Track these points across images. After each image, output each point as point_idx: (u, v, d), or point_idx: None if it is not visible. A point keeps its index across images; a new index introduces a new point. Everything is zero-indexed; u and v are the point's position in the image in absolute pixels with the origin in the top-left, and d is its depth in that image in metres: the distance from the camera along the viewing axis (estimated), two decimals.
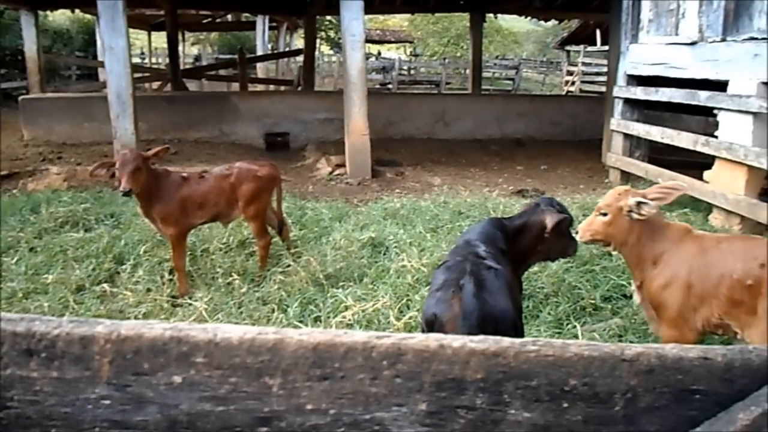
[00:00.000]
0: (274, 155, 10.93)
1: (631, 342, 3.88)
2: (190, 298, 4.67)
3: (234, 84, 16.79)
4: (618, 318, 4.30)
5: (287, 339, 1.05)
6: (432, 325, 2.49)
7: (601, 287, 4.65)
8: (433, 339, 1.07)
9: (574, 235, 3.47)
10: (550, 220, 3.06)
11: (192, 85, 18.01)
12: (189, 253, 5.34)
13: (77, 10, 17.59)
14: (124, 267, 5.19)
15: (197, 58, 27.92)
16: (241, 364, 1.05)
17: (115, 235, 5.82)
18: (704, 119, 8.76)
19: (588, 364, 1.06)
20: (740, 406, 1.05)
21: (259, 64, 22.00)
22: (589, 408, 1.05)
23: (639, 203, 3.10)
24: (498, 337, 1.10)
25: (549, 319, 4.23)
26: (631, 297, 4.08)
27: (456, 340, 1.08)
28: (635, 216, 3.13)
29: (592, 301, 4.49)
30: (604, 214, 3.26)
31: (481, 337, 1.09)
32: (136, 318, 4.45)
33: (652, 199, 3.14)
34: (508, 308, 2.52)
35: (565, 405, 1.05)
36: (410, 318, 4.03)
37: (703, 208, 6.70)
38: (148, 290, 4.85)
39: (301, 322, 4.23)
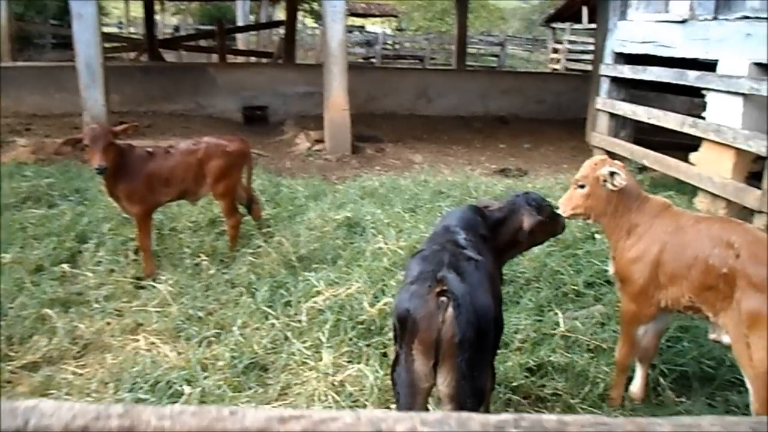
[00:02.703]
0: (252, 129, 10.62)
1: (614, 331, 3.72)
2: (154, 280, 4.44)
3: (213, 56, 16.30)
4: (601, 305, 4.17)
5: (137, 429, 0.74)
6: (405, 321, 2.26)
7: (584, 272, 4.51)
8: (365, 419, 0.78)
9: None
10: (527, 222, 2.97)
11: (170, 56, 17.49)
12: (156, 231, 5.11)
13: None
14: (86, 246, 4.93)
15: (176, 29, 27.18)
16: None
17: (78, 212, 5.56)
18: (689, 100, 8.59)
19: None
20: None
21: (239, 36, 21.47)
22: None
23: (612, 173, 3.06)
24: (464, 415, 0.80)
25: (530, 306, 4.08)
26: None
27: (400, 422, 0.78)
28: (609, 186, 3.08)
29: (575, 287, 4.35)
30: (582, 186, 3.21)
31: (439, 415, 0.80)
32: (96, 301, 4.21)
33: None
34: (488, 304, 2.32)
35: None
36: (385, 305, 3.84)
37: (689, 190, 6.55)
38: (111, 271, 4.63)
39: (270, 306, 4.03)
